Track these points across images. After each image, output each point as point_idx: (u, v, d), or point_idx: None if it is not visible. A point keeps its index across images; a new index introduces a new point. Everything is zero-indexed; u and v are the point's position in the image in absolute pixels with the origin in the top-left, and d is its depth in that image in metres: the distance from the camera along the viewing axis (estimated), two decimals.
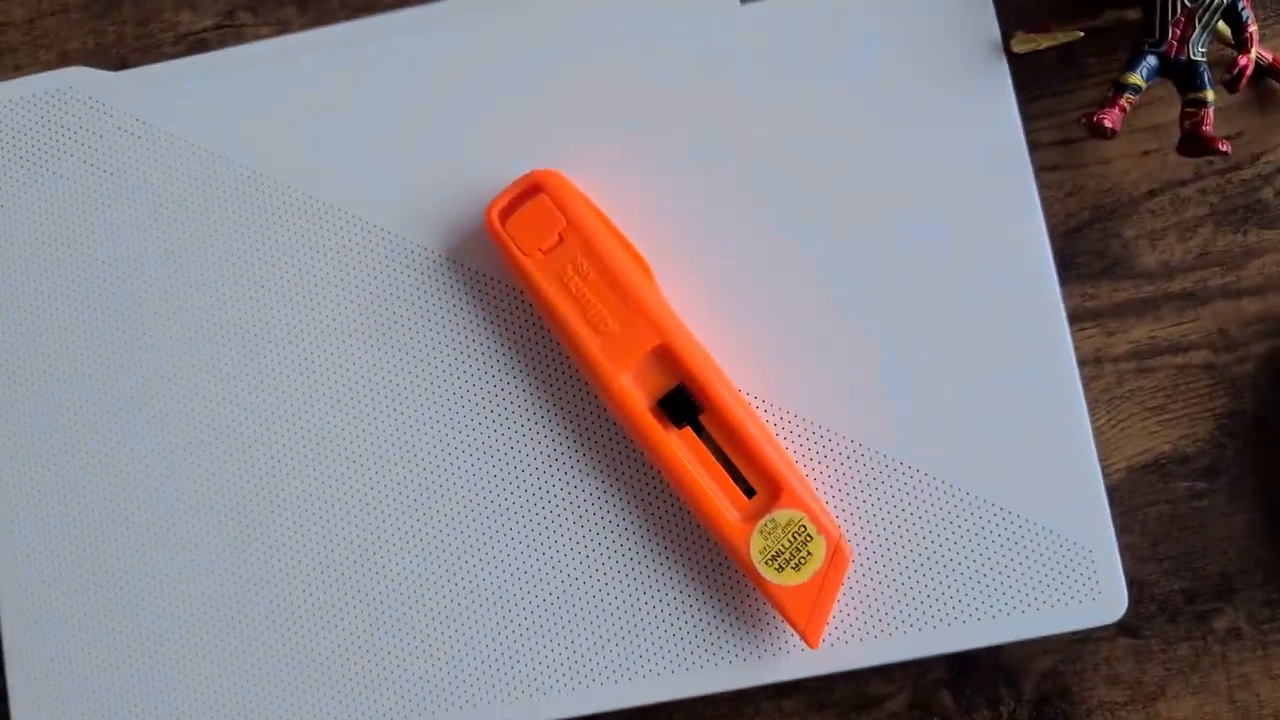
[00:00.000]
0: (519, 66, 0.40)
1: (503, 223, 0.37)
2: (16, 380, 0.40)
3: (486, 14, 0.40)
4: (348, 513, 0.38)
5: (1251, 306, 0.40)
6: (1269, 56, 0.39)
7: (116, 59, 0.44)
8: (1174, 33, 0.37)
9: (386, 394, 0.39)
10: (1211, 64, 0.38)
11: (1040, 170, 0.40)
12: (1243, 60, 0.37)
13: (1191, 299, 0.40)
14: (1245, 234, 0.40)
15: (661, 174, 0.39)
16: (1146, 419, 0.40)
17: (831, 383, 0.38)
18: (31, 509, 0.39)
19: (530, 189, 0.38)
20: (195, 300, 0.40)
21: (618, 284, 0.37)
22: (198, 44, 0.43)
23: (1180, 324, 0.40)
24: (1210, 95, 0.37)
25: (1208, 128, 0.37)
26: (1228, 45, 0.38)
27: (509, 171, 0.38)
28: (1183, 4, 0.37)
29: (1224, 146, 0.37)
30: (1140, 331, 0.40)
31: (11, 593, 0.39)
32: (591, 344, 0.36)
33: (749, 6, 0.40)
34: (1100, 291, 0.40)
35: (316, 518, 0.38)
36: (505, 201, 0.38)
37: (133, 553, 0.39)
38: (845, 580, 0.37)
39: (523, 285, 0.38)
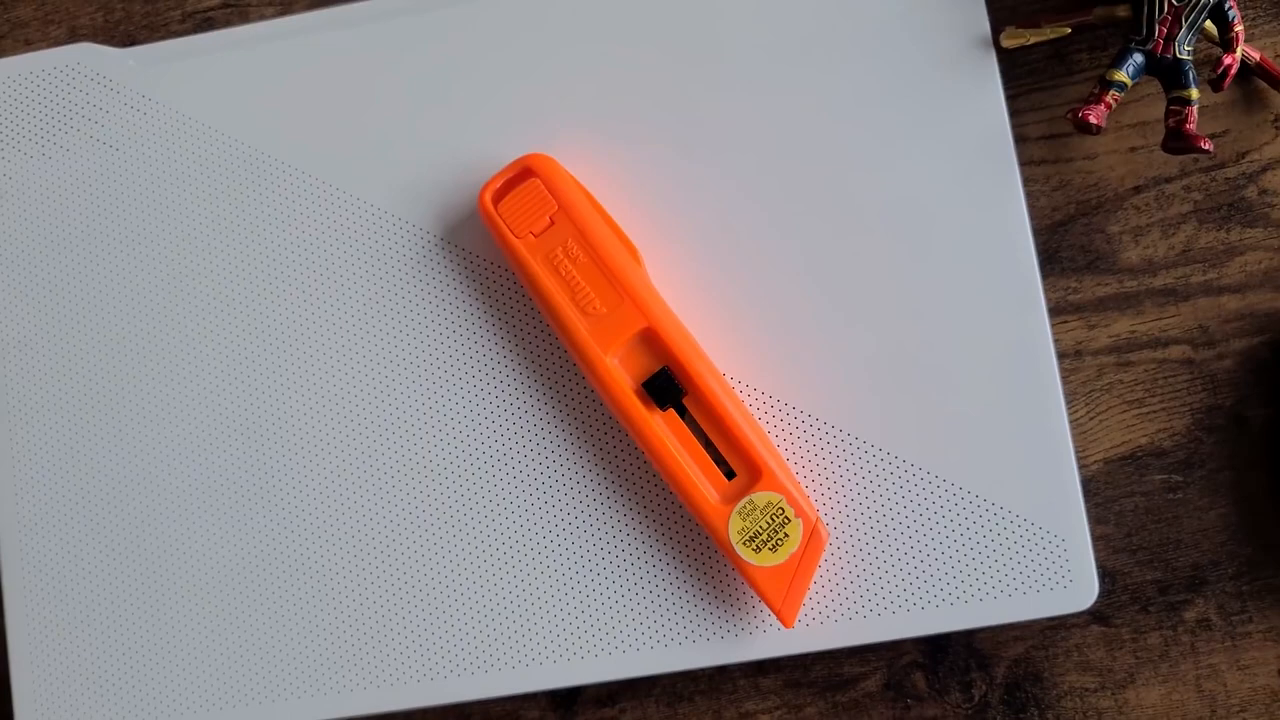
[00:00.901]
0: (516, 50, 0.40)
1: (495, 205, 0.38)
2: (24, 349, 0.41)
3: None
4: (344, 483, 0.39)
5: (1232, 304, 0.40)
6: (1256, 56, 0.40)
7: (124, 36, 0.44)
8: (1161, 31, 0.38)
9: (382, 368, 0.40)
10: (1198, 63, 0.39)
11: (1027, 164, 0.41)
12: (1228, 60, 0.37)
13: (1173, 295, 0.40)
14: (1228, 231, 0.40)
15: (652, 160, 0.40)
16: (1125, 412, 0.40)
17: (814, 369, 0.38)
18: (38, 480, 0.40)
19: (523, 172, 0.38)
20: (197, 273, 0.41)
21: (606, 267, 0.37)
22: (204, 22, 0.44)
23: (1161, 319, 0.40)
24: (1195, 94, 0.38)
25: (1191, 126, 0.37)
26: (1215, 44, 0.39)
27: (503, 154, 0.39)
28: (1170, 3, 0.37)
29: (1207, 145, 0.37)
30: (1121, 326, 0.40)
31: (15, 570, 0.40)
32: (579, 326, 0.37)
33: None
34: (1083, 285, 0.41)
35: (314, 488, 0.39)
36: (499, 184, 0.38)
37: (139, 523, 0.40)
38: (822, 562, 0.37)
39: (514, 266, 0.38)
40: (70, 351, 0.41)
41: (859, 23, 0.40)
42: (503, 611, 0.39)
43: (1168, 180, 0.41)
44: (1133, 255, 0.41)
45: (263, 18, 0.44)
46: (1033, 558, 0.38)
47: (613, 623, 0.38)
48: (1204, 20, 0.38)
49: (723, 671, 0.40)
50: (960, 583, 0.38)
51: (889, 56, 0.39)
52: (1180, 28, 0.38)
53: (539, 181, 0.38)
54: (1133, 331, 0.40)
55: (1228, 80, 0.38)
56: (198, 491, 0.40)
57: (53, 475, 0.40)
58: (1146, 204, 0.41)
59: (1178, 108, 0.38)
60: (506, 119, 0.40)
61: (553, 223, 0.38)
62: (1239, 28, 0.38)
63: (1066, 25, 0.39)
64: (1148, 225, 0.41)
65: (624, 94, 0.40)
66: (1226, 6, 0.38)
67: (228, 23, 0.44)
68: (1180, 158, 0.40)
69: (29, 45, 0.45)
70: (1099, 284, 0.41)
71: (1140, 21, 0.38)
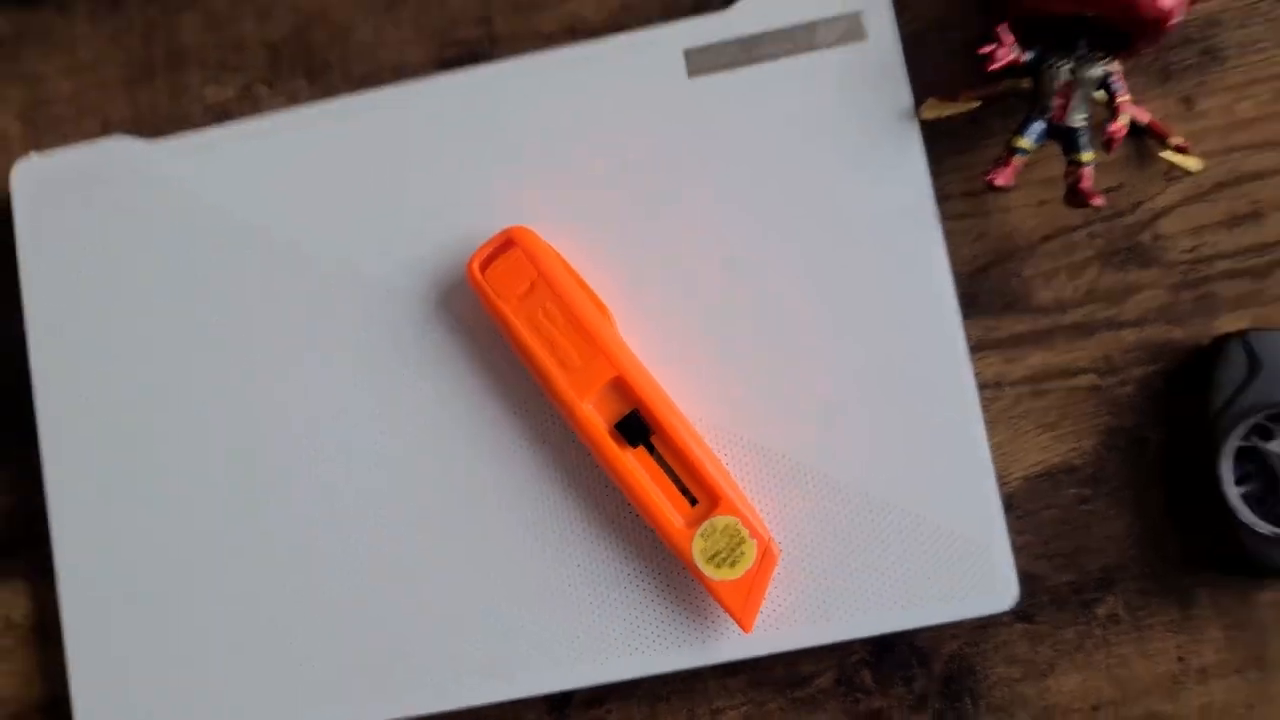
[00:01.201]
0: (496, 133, 0.46)
1: (483, 273, 0.44)
2: (78, 401, 0.47)
3: (466, 89, 0.46)
4: (360, 514, 0.45)
5: (1131, 336, 0.46)
6: (1146, 118, 0.45)
7: (152, 127, 0.50)
8: (1058, 103, 0.43)
9: (391, 418, 0.45)
10: (1097, 126, 0.44)
11: (949, 218, 0.46)
12: (1113, 127, 0.43)
13: (1080, 330, 0.46)
14: (1126, 273, 0.46)
15: (619, 229, 0.45)
16: (1040, 435, 0.46)
17: (765, 407, 0.44)
18: (92, 520, 0.46)
19: (505, 244, 0.44)
20: (221, 337, 0.46)
21: (580, 325, 0.43)
22: (222, 113, 0.50)
23: (1070, 352, 0.46)
24: (1087, 156, 0.43)
25: (1086, 184, 0.43)
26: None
27: (488, 227, 0.45)
28: (1064, 78, 0.43)
29: (1097, 201, 0.43)
30: (1035, 359, 0.46)
31: (73, 598, 0.46)
32: (559, 376, 0.43)
33: (695, 80, 0.46)
34: (1001, 324, 0.46)
35: (331, 518, 0.45)
36: (484, 255, 0.44)
37: (176, 555, 0.46)
38: (775, 575, 0.43)
39: (501, 327, 0.44)
40: (117, 403, 0.46)
41: (800, 102, 0.45)
42: (502, 625, 0.44)
43: (1073, 229, 0.46)
44: (1044, 296, 0.46)
45: (272, 109, 0.49)
46: (961, 566, 0.43)
47: (598, 633, 0.44)
48: (1093, 93, 0.43)
49: (695, 674, 0.46)
50: (898, 590, 0.43)
51: (827, 131, 0.45)
52: (1074, 100, 0.43)
53: (520, 251, 0.44)
54: (1046, 363, 0.46)
55: (1115, 144, 0.43)
56: (235, 522, 0.45)
57: (107, 512, 0.46)
58: (1055, 251, 0.46)
59: (1073, 169, 0.43)
60: (491, 195, 0.46)
61: (533, 287, 0.43)
62: (1122, 98, 0.43)
63: (977, 99, 0.45)
64: (1056, 269, 0.46)
65: (594, 169, 0.46)
66: (1111, 81, 0.43)
67: (241, 113, 0.50)
68: (1083, 209, 0.46)
69: (66, 138, 0.50)
70: (1015, 322, 0.46)
71: (1040, 94, 0.44)
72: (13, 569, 0.48)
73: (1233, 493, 0.43)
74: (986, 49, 0.42)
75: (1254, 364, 0.43)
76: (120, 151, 0.48)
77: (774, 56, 0.46)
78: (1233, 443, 0.43)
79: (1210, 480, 0.43)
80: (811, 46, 0.46)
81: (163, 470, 0.46)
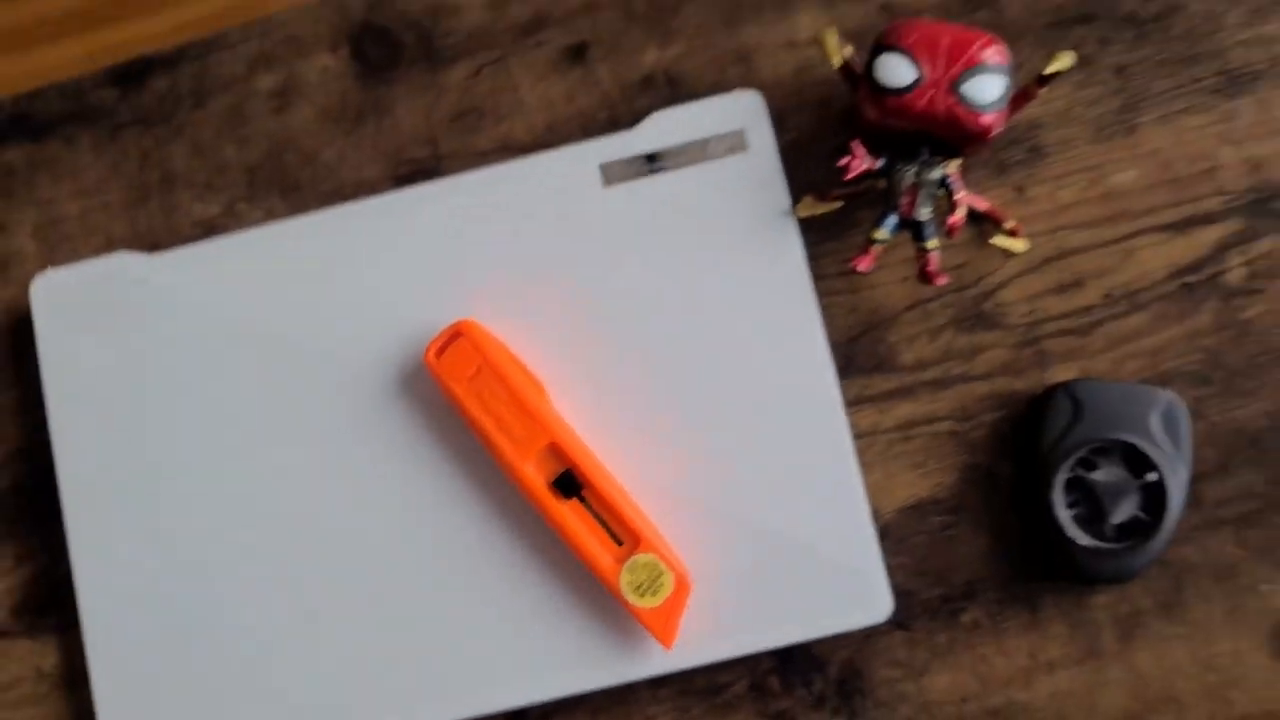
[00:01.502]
0: (444, 239, 0.55)
1: (437, 360, 0.53)
2: (96, 479, 0.55)
3: (418, 202, 0.55)
4: (342, 565, 0.53)
5: (981, 388, 0.55)
6: (984, 206, 0.54)
7: (149, 240, 0.59)
8: (906, 200, 0.52)
9: (367, 479, 0.54)
10: (943, 217, 0.53)
11: (828, 295, 0.56)
12: (952, 219, 0.52)
13: (939, 384, 0.55)
14: (975, 335, 0.55)
15: (550, 315, 0.54)
16: (910, 473, 0.55)
17: (676, 460, 0.53)
18: (112, 581, 0.54)
19: (455, 335, 0.53)
20: (218, 419, 0.55)
21: (520, 401, 0.52)
22: (209, 228, 0.58)
23: (932, 403, 0.55)
24: (933, 244, 0.52)
25: (932, 268, 0.52)
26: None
27: (440, 320, 0.54)
28: (910, 181, 0.52)
29: (941, 280, 0.52)
30: (903, 410, 0.55)
31: (100, 642, 0.54)
32: (504, 444, 0.52)
33: (609, 189, 0.55)
34: (873, 382, 0.55)
35: (315, 569, 0.53)
36: (438, 345, 0.53)
37: (185, 610, 0.54)
38: (690, 600, 0.52)
39: (455, 404, 0.53)
40: (129, 479, 0.55)
41: (697, 206, 0.54)
42: (465, 652, 0.53)
43: (929, 300, 0.56)
44: (908, 357, 0.55)
45: (254, 222, 0.58)
46: (845, 586, 0.52)
47: (546, 656, 0.52)
48: (936, 191, 0.52)
49: (630, 688, 0.54)
50: (795, 607, 0.52)
51: (720, 229, 0.54)
52: (919, 198, 0.52)
53: (467, 341, 0.52)
54: (912, 413, 0.55)
55: (955, 233, 0.52)
56: (227, 587, 0.54)
57: (137, 566, 0.54)
58: (915, 319, 0.56)
59: (922, 254, 0.53)
60: (442, 291, 0.55)
61: (479, 370, 0.52)
62: (959, 194, 0.52)
63: (840, 199, 0.54)
64: (917, 334, 0.55)
65: (527, 269, 0.54)
66: (949, 181, 0.52)
67: (226, 228, 0.58)
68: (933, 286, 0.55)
69: (75, 254, 0.59)
70: (885, 380, 0.55)
71: (891, 194, 0.53)
72: (43, 625, 0.56)
73: (1064, 515, 0.52)
74: (843, 161, 0.52)
75: (1078, 409, 0.52)
76: (124, 265, 0.56)
77: (674, 167, 0.55)
78: (1062, 474, 0.52)
79: (1047, 505, 0.52)
80: (705, 158, 0.55)
81: (171, 535, 0.54)
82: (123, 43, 0.60)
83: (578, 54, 0.58)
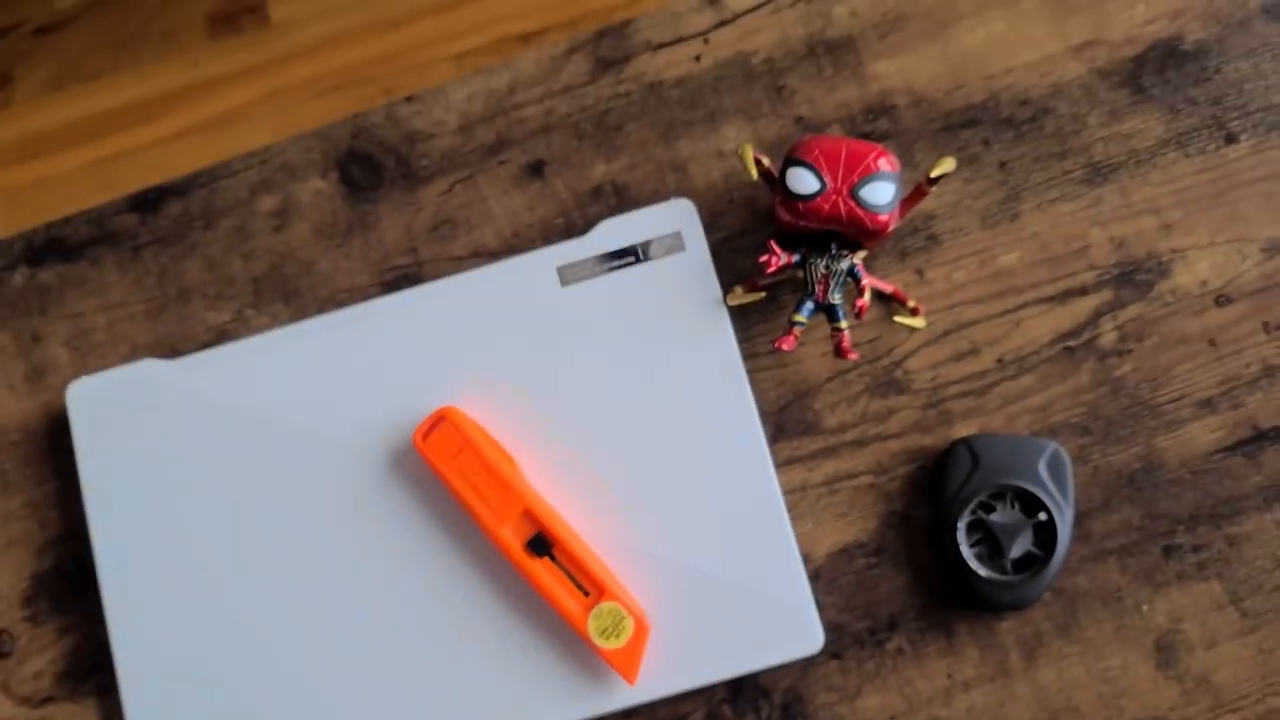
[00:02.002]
0: (427, 336, 0.64)
1: (424, 441, 0.61)
2: (128, 558, 0.63)
3: (402, 304, 0.64)
4: (349, 623, 0.61)
5: (895, 445, 0.64)
6: (889, 288, 0.64)
7: (169, 346, 0.67)
8: (819, 288, 0.61)
9: (368, 551, 0.62)
10: (854, 300, 0.62)
11: (759, 370, 0.64)
12: (859, 303, 0.61)
13: (858, 444, 0.64)
14: (887, 399, 0.64)
15: (519, 399, 0.63)
16: (836, 522, 0.63)
17: (632, 520, 0.61)
18: (145, 648, 0.62)
19: (439, 419, 0.61)
20: (236, 500, 0.63)
21: (496, 474, 0.60)
22: (222, 333, 0.67)
23: (853, 460, 0.64)
24: (843, 324, 0.61)
25: (844, 344, 0.61)
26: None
27: (427, 406, 0.62)
28: (822, 272, 0.61)
29: (852, 356, 0.61)
30: (828, 467, 0.64)
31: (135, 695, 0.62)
32: (483, 512, 0.60)
33: (566, 288, 0.64)
34: (801, 444, 0.64)
35: (331, 631, 0.61)
36: (424, 429, 0.61)
37: (211, 671, 0.62)
38: (649, 641, 0.60)
39: (441, 479, 0.61)
40: (160, 563, 0.63)
41: (641, 299, 0.63)
42: (456, 692, 0.60)
43: (847, 371, 0.65)
44: (831, 421, 0.64)
45: (261, 327, 0.67)
46: (782, 623, 0.60)
47: (526, 695, 0.60)
48: (845, 279, 0.61)
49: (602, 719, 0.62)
50: (740, 644, 0.60)
51: (661, 318, 0.63)
52: (831, 285, 0.61)
53: (450, 424, 0.61)
54: (836, 470, 0.64)
55: (862, 314, 0.61)
56: (249, 647, 0.62)
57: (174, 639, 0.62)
58: (836, 387, 0.64)
59: (835, 334, 0.61)
60: (427, 381, 0.63)
61: (461, 450, 0.61)
62: (865, 281, 0.61)
63: (763, 290, 0.63)
64: (838, 401, 0.64)
65: (498, 359, 0.63)
66: (856, 269, 0.61)
67: (237, 332, 0.67)
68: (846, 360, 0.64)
69: (104, 362, 0.67)
70: (811, 442, 0.64)
71: (808, 281, 0.62)
72: (84, 690, 0.64)
73: (968, 552, 0.60)
74: (763, 258, 0.61)
75: (975, 460, 0.61)
76: (148, 370, 0.65)
77: (621, 267, 0.64)
78: (965, 518, 0.61)
79: (953, 545, 0.61)
80: (647, 257, 0.64)
81: (198, 606, 0.62)
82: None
83: (536, 170, 0.67)
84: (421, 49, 1.38)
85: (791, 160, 0.60)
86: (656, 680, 0.60)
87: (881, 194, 0.59)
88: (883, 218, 0.60)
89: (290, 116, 1.36)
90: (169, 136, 1.29)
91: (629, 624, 0.59)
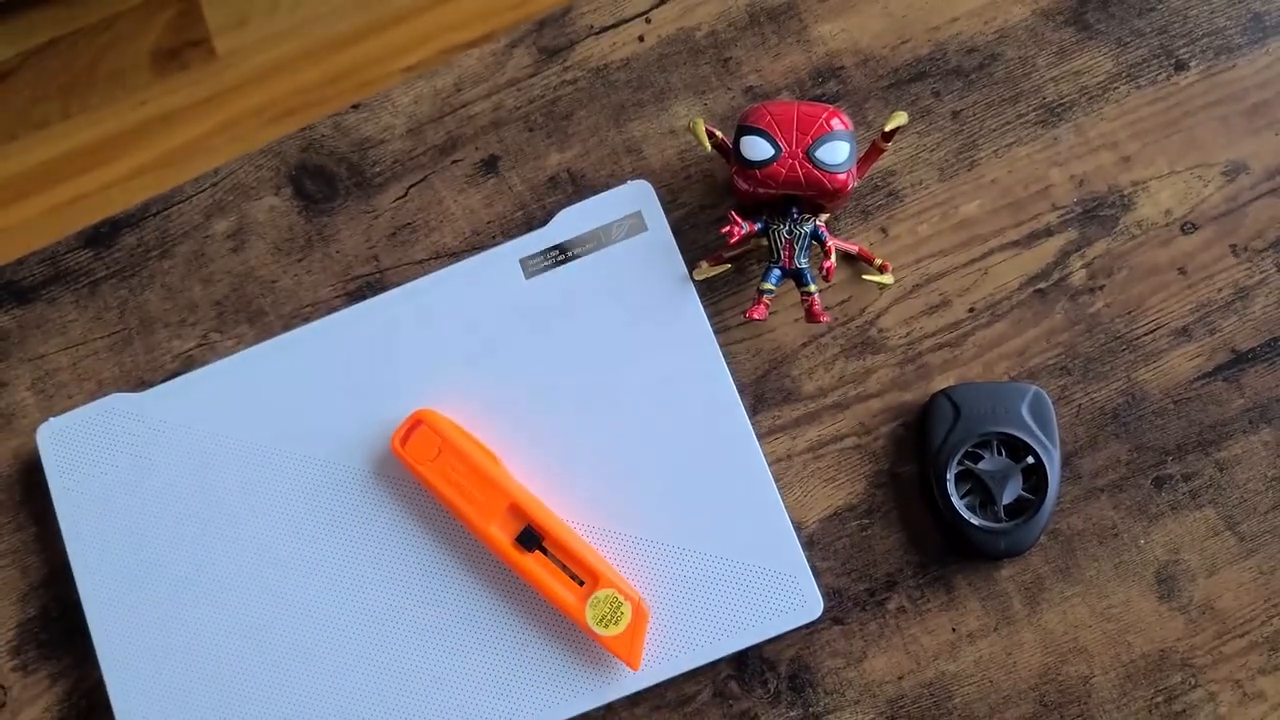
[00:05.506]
0: (396, 341, 0.63)
1: (403, 445, 0.60)
2: (113, 590, 0.62)
3: (368, 312, 0.63)
4: (343, 632, 0.61)
5: (875, 404, 0.63)
6: (854, 248, 0.63)
7: (137, 378, 0.66)
8: (785, 253, 0.61)
9: (355, 561, 0.61)
10: (820, 263, 0.62)
11: (733, 342, 0.64)
12: (826, 264, 0.61)
13: (839, 407, 0.63)
14: (864, 360, 0.64)
15: (493, 393, 0.62)
16: (825, 487, 0.63)
17: (620, 504, 0.61)
18: (137, 680, 0.61)
19: (416, 422, 0.61)
20: (214, 521, 0.62)
21: (478, 473, 0.59)
22: (188, 359, 0.66)
23: (835, 424, 0.63)
24: (812, 288, 0.61)
25: (815, 308, 0.61)
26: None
27: (401, 411, 0.61)
28: (785, 237, 0.61)
29: (824, 319, 0.60)
30: (812, 433, 0.63)
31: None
32: (469, 511, 0.59)
33: (531, 279, 0.63)
34: (783, 413, 0.64)
35: (324, 640, 0.61)
36: (401, 433, 0.61)
37: (200, 692, 0.61)
38: (648, 624, 0.59)
39: (422, 482, 0.60)
40: (147, 594, 0.62)
41: (607, 283, 0.63)
42: (456, 688, 0.60)
43: (821, 336, 0.64)
44: (810, 387, 0.64)
45: (225, 350, 0.66)
46: (780, 593, 0.60)
47: (529, 687, 0.60)
48: (810, 242, 0.61)
49: (609, 708, 0.61)
50: (740, 618, 0.60)
51: (628, 299, 0.62)
52: (796, 250, 0.61)
53: (427, 427, 0.60)
54: (819, 435, 0.63)
55: (830, 275, 0.61)
56: (244, 662, 0.61)
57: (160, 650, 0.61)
58: (812, 353, 0.64)
59: (805, 298, 0.61)
60: (399, 386, 0.63)
61: (441, 451, 0.60)
62: (830, 242, 0.61)
63: (728, 262, 0.63)
64: (815, 366, 0.64)
65: (469, 357, 0.62)
66: (820, 231, 0.61)
67: (204, 357, 0.66)
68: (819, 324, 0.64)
69: (71, 400, 0.66)
70: (792, 410, 0.64)
71: (772, 248, 0.61)
72: None
73: (959, 503, 0.60)
74: (724, 229, 0.60)
75: (957, 411, 0.61)
76: (116, 404, 0.64)
77: (584, 253, 0.63)
78: (952, 469, 0.60)
79: (944, 497, 0.60)
80: (609, 241, 0.63)
81: (187, 631, 0.61)
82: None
83: (490, 166, 0.67)
84: (370, 65, 1.37)
85: (744, 129, 0.60)
86: (660, 663, 0.59)
87: (838, 153, 0.59)
88: (841, 176, 0.59)
89: (247, 145, 1.35)
90: (125, 176, 1.29)
91: (627, 609, 0.58)
